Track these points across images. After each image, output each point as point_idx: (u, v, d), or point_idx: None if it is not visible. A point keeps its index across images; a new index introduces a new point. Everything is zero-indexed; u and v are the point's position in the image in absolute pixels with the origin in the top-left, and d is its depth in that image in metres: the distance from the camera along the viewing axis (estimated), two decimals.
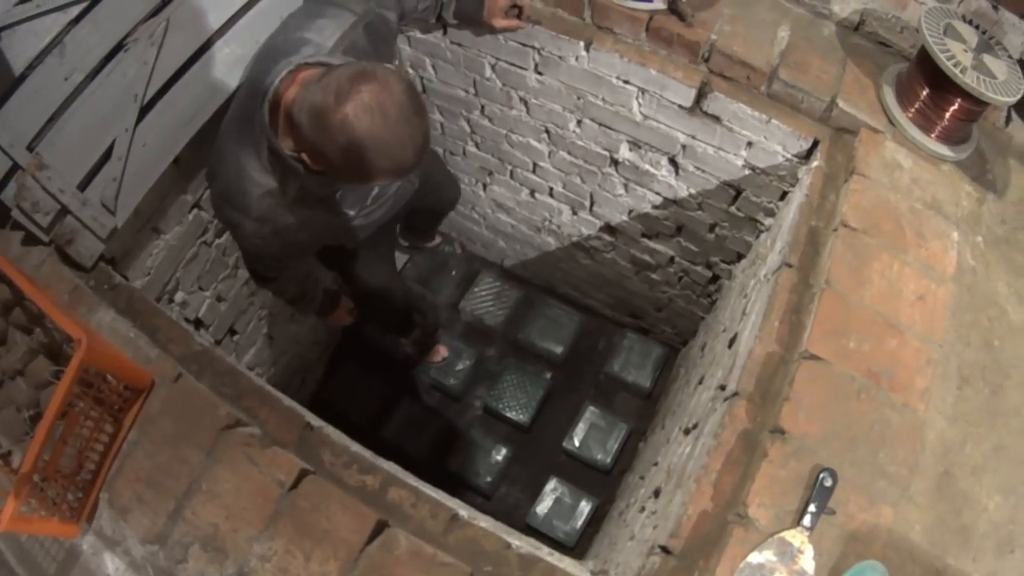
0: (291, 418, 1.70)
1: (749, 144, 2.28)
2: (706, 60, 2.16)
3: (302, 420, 1.70)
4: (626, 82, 2.29)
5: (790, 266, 1.89)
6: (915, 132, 2.08)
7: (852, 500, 1.53)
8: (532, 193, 3.23)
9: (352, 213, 2.01)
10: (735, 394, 1.69)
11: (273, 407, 1.72)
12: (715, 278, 3.09)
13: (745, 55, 2.11)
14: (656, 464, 2.41)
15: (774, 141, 2.22)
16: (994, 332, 1.89)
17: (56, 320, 1.56)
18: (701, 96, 2.21)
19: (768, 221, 2.53)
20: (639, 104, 2.36)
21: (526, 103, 2.63)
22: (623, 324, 3.93)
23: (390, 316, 3.05)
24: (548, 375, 3.84)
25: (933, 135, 2.08)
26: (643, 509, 2.14)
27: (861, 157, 2.01)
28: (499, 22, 2.22)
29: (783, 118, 2.15)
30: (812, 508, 1.48)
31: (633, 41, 2.20)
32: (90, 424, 1.66)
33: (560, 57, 2.32)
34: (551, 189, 3.13)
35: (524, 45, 2.34)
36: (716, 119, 2.25)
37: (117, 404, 1.70)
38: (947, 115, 2.04)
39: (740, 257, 2.83)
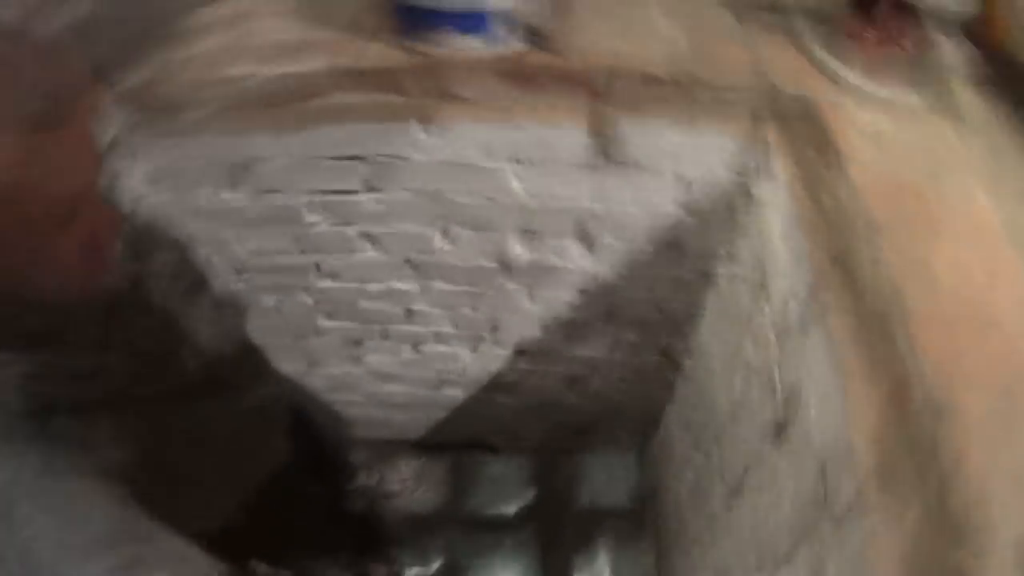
0: None
1: (679, 178, 1.71)
2: (595, 90, 1.59)
3: None
4: (492, 155, 1.69)
5: (826, 311, 1.32)
6: (874, 86, 1.62)
7: None
8: (415, 347, 2.54)
9: None
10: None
11: None
12: (666, 358, 2.49)
13: (643, 65, 1.56)
14: None
15: (711, 161, 1.67)
16: None
17: None
18: (600, 137, 1.63)
19: (725, 270, 1.97)
20: (519, 180, 1.76)
21: (371, 237, 1.98)
22: (573, 448, 3.26)
23: None
24: (517, 541, 3.09)
25: (892, 81, 1.64)
26: None
27: (840, 137, 1.50)
28: None
29: (715, 128, 1.61)
30: None
31: (488, 97, 1.60)
32: None
33: (396, 156, 1.68)
34: (437, 334, 2.46)
35: (343, 159, 1.70)
36: (628, 162, 1.68)
37: None
38: (903, 48, 1.62)
39: (696, 324, 2.25)
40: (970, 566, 0.94)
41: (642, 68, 1.55)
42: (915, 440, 1.10)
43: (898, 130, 1.58)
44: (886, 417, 1.17)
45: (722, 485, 1.91)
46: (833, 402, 1.27)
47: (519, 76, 1.56)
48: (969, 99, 1.77)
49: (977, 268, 1.33)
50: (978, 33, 1.77)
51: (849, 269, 1.37)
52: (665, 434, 2.85)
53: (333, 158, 1.69)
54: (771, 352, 1.60)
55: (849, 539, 1.13)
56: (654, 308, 2.20)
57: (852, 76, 1.62)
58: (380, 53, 1.57)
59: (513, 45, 1.54)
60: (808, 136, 1.59)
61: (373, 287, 2.18)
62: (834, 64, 1.63)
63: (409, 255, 2.05)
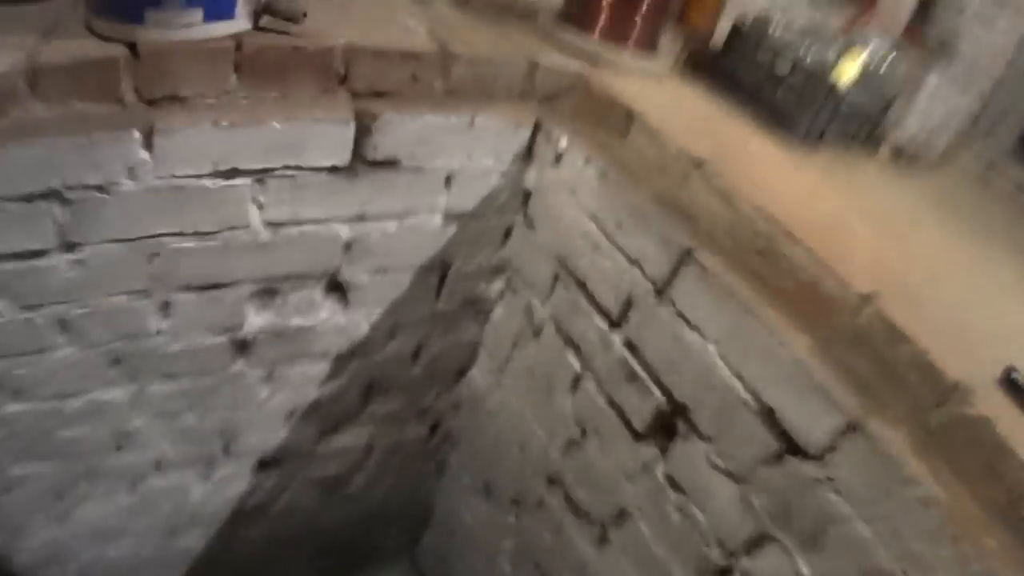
0: None
1: (448, 179, 1.55)
2: (345, 78, 1.37)
3: None
4: (230, 174, 1.38)
5: (690, 252, 1.26)
6: (629, 57, 1.74)
7: None
8: (134, 486, 2.00)
9: None
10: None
11: None
12: (435, 426, 2.23)
13: (400, 43, 1.39)
14: None
15: (483, 153, 1.56)
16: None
17: None
18: (363, 136, 1.41)
19: (498, 286, 1.79)
20: (261, 204, 1.45)
21: (65, 324, 1.49)
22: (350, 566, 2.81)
23: None
24: None
25: (634, 55, 1.76)
26: None
27: (622, 100, 1.52)
28: None
29: (487, 111, 1.51)
30: None
31: (223, 96, 1.30)
32: None
33: (103, 187, 1.30)
34: (158, 462, 1.96)
35: (31, 199, 1.25)
36: (393, 164, 1.47)
37: None
38: (638, 18, 1.73)
39: (465, 371, 2.04)
40: (967, 412, 0.95)
41: (396, 42, 1.38)
42: (863, 332, 1.03)
43: (657, 92, 1.66)
44: (819, 325, 1.09)
45: (588, 524, 1.67)
46: (748, 340, 1.15)
47: (259, 64, 1.30)
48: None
49: (793, 186, 1.42)
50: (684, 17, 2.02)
51: (694, 209, 1.30)
52: (449, 516, 2.55)
53: (16, 199, 1.24)
54: (612, 344, 1.46)
55: (852, 456, 1.00)
56: (419, 362, 1.96)
57: (606, 52, 1.68)
58: (85, 46, 1.20)
59: (243, 25, 1.29)
60: (587, 105, 1.56)
61: (72, 404, 1.67)
62: (571, 37, 1.65)
63: (115, 346, 1.59)
